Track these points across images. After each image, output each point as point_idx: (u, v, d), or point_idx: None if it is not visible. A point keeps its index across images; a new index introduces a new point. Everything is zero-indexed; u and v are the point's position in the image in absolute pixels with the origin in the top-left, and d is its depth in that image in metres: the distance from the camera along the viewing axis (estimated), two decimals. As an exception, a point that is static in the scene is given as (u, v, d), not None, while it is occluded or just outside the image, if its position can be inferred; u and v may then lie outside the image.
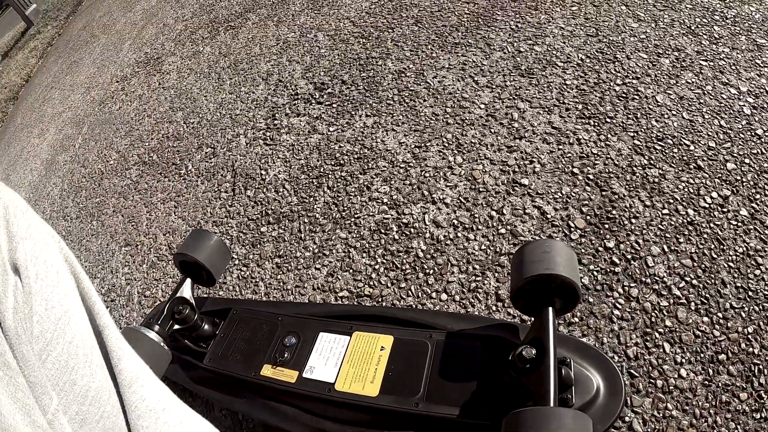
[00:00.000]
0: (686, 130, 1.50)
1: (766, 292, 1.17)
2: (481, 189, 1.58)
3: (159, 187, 2.27)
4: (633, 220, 1.35)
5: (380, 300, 1.45)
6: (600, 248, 1.33)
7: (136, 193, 2.33)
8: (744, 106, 1.51)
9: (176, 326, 1.23)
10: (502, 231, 1.46)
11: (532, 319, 0.99)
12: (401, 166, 1.75)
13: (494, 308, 1.33)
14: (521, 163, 1.60)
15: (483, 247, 1.45)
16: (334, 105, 2.12)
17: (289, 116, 2.18)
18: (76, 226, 2.41)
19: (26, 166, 3.35)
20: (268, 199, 1.89)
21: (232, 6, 3.32)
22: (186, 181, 2.20)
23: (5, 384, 0.31)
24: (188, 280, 1.30)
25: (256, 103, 2.36)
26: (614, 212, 1.38)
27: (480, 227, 1.49)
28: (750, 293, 1.17)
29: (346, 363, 1.12)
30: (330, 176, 1.85)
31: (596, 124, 1.60)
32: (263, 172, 2.00)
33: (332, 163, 1.89)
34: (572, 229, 1.39)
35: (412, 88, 2.01)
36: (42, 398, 0.33)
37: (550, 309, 0.95)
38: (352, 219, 1.68)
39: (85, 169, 2.75)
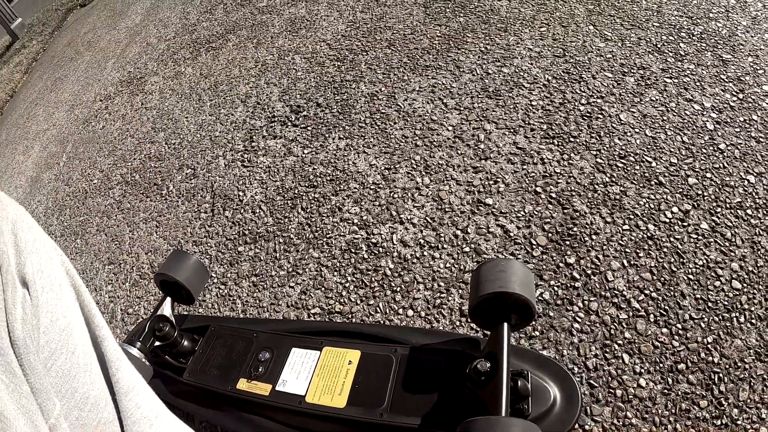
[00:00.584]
0: (648, 147, 1.54)
1: (725, 303, 1.21)
2: (447, 209, 1.63)
3: (141, 207, 2.31)
4: (594, 237, 1.39)
5: (350, 316, 1.50)
6: (561, 264, 1.38)
7: (119, 213, 2.37)
8: (707, 121, 1.56)
9: (157, 343, 1.28)
10: (467, 249, 1.51)
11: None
12: (371, 187, 1.81)
13: (458, 323, 1.37)
14: (486, 183, 1.65)
15: (448, 265, 1.50)
16: (309, 128, 2.17)
17: (266, 138, 2.24)
18: (60, 244, 2.43)
19: (11, 182, 3.37)
20: (245, 220, 1.94)
21: (213, 27, 3.39)
22: (167, 202, 2.24)
23: (11, 391, 0.33)
24: (168, 299, 1.35)
25: (234, 125, 2.41)
26: (575, 229, 1.42)
27: (445, 246, 1.54)
28: (710, 304, 1.21)
29: (316, 376, 1.18)
30: (304, 198, 1.90)
31: (560, 143, 1.64)
32: (241, 194, 2.05)
33: (306, 185, 1.94)
34: (534, 247, 1.43)
35: (383, 111, 2.06)
36: (46, 404, 0.35)
37: (505, 324, 1.01)
38: (324, 239, 1.73)
39: (69, 188, 2.79)
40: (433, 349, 1.16)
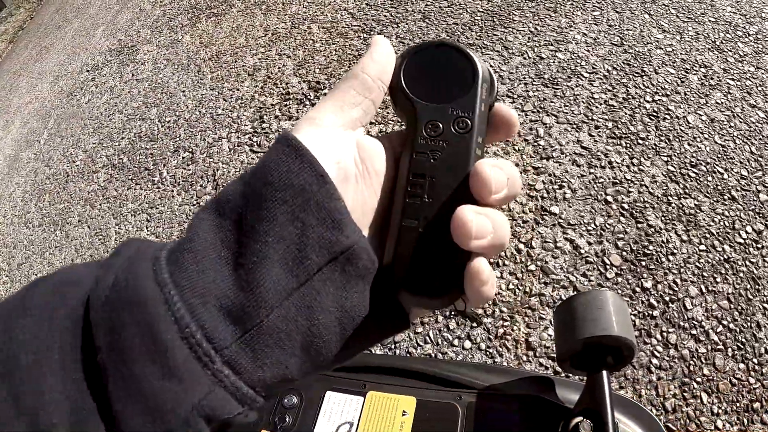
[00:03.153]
0: (719, 156, 1.47)
1: (799, 334, 1.15)
2: (506, 216, 1.42)
3: (129, 196, 2.07)
4: (670, 257, 1.31)
5: (393, 347, 1.32)
6: (637, 288, 1.28)
7: (103, 201, 2.13)
8: (772, 131, 1.53)
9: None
10: (532, 267, 1.35)
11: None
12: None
13: (524, 358, 1.22)
14: (550, 187, 1.49)
15: (511, 286, 1.34)
16: (333, 109, 1.93)
17: (280, 119, 2.00)
18: (38, 235, 2.22)
19: (-11, 160, 3.10)
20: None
21: (216, -10, 3.13)
22: (160, 191, 2.01)
23: None
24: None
25: (241, 102, 2.17)
26: (651, 247, 1.33)
27: (507, 262, 1.38)
28: (784, 336, 1.16)
29: (362, 430, 0.96)
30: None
31: (628, 145, 1.51)
32: (250, 186, 1.81)
33: (331, 181, 1.71)
34: (608, 267, 1.31)
35: (422, 95, 1.85)
36: None
37: (604, 373, 0.80)
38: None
39: (50, 170, 2.55)
40: (506, 396, 0.95)
